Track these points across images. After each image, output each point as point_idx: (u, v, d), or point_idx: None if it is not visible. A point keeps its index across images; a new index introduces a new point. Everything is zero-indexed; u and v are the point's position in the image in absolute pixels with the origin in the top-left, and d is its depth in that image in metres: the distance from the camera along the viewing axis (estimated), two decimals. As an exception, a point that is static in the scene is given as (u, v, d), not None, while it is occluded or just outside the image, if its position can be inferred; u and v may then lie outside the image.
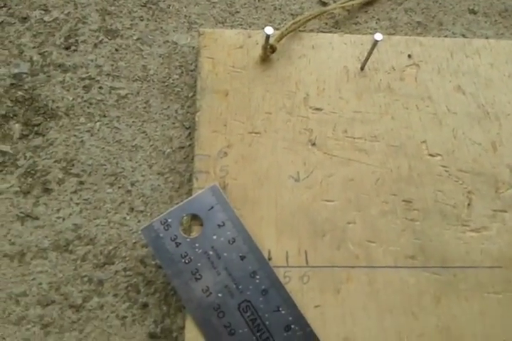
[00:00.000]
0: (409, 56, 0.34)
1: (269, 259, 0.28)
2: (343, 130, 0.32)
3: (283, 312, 0.26)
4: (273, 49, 0.33)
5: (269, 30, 0.31)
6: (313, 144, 0.31)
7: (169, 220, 0.28)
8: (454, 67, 0.34)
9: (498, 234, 0.30)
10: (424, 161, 0.31)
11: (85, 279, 0.28)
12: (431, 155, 0.32)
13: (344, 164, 0.31)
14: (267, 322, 0.26)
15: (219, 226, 0.28)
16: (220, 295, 0.26)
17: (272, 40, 0.32)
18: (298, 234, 0.29)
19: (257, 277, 0.27)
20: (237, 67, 0.33)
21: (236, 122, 0.31)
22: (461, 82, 0.34)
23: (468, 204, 0.31)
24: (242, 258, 0.27)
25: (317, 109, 0.32)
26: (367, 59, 0.33)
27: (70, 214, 0.30)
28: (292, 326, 0.26)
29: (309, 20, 0.35)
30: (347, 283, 0.28)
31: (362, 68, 0.34)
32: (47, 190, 0.30)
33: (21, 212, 0.30)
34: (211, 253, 0.27)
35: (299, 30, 0.35)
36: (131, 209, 0.30)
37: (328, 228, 0.29)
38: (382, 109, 0.33)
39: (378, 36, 0.31)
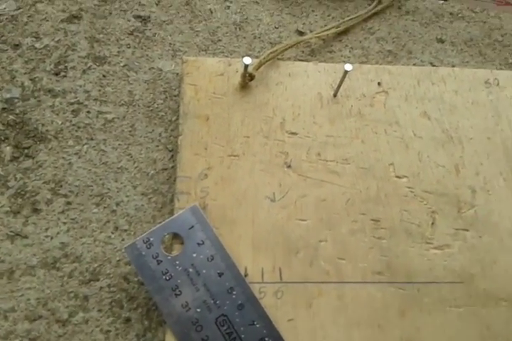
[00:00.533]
0: (379, 84, 0.37)
1: (246, 276, 0.30)
2: (317, 153, 0.34)
3: (258, 325, 0.28)
4: (251, 77, 0.35)
5: (247, 60, 0.33)
6: (289, 166, 0.34)
7: (151, 239, 0.29)
8: (420, 94, 0.37)
9: (459, 252, 0.32)
10: (391, 182, 0.34)
11: (71, 295, 0.30)
12: (398, 177, 0.34)
13: (317, 185, 0.33)
14: (243, 336, 0.28)
15: (198, 244, 0.30)
16: (198, 310, 0.28)
17: (250, 69, 0.35)
18: (273, 251, 0.31)
19: (234, 293, 0.29)
20: (218, 94, 0.35)
21: (216, 145, 0.33)
22: (427, 108, 0.36)
23: (432, 223, 0.33)
24: (220, 274, 0.29)
25: (292, 133, 0.35)
26: (339, 86, 0.35)
27: (58, 233, 0.31)
28: (266, 339, 0.28)
29: (286, 49, 0.37)
30: (318, 298, 0.30)
31: (335, 95, 0.36)
32: (36, 210, 0.32)
33: (11, 231, 0.31)
34: (191, 270, 0.29)
35: (277, 59, 0.37)
36: (116, 228, 0.32)
37: (301, 246, 0.31)
38: (353, 134, 0.35)
39: (348, 67, 0.33)
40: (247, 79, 0.35)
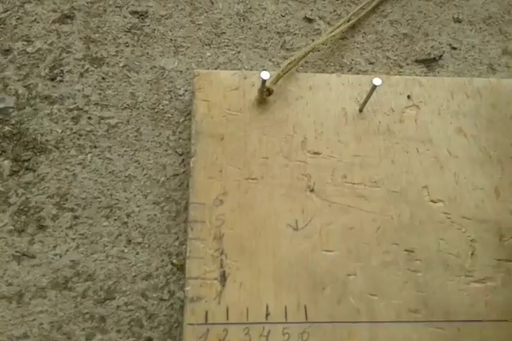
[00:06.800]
0: (409, 97, 0.34)
1: (267, 315, 0.27)
2: (342, 175, 0.31)
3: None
4: (269, 92, 0.32)
5: (265, 75, 0.30)
6: (312, 190, 0.30)
7: None
8: (454, 108, 0.34)
9: (503, 285, 0.29)
10: (425, 208, 0.31)
11: (87, 316, 0.28)
12: (432, 201, 0.31)
13: (344, 211, 0.30)
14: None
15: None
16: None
17: (268, 83, 0.31)
18: (297, 287, 0.28)
19: None
20: (233, 110, 0.32)
21: (232, 168, 0.30)
22: (462, 123, 0.33)
23: (472, 254, 0.30)
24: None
25: (315, 153, 0.31)
26: (365, 101, 0.32)
27: (67, 251, 0.29)
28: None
29: (304, 56, 0.34)
30: (348, 340, 0.27)
31: (360, 110, 0.33)
32: (42, 227, 0.30)
33: (17, 251, 0.29)
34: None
35: (296, 71, 0.34)
36: (129, 242, 0.30)
37: (328, 280, 0.28)
38: (382, 153, 0.32)
39: (377, 81, 0.30)
40: (265, 94, 0.32)
